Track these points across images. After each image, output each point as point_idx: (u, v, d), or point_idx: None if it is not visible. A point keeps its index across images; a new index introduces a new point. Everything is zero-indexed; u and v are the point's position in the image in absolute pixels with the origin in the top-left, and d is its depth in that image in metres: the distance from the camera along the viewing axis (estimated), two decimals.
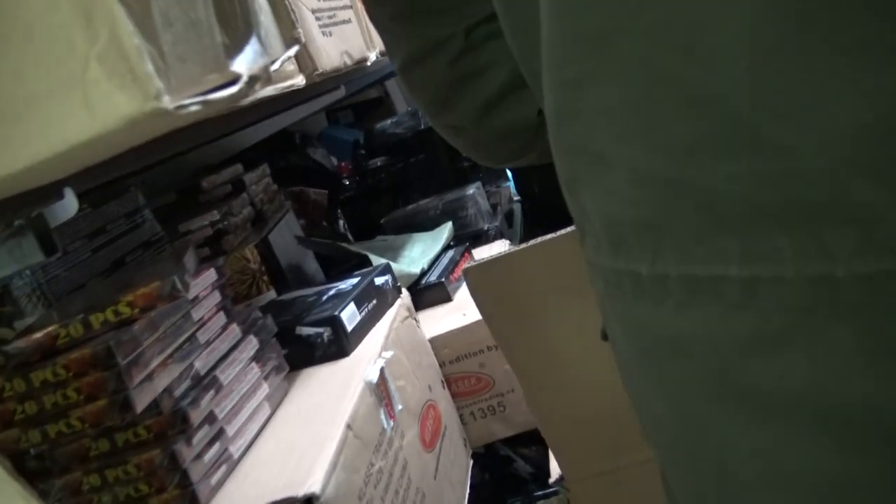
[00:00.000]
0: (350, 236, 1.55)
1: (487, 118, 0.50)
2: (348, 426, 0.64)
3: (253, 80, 0.28)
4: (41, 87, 0.26)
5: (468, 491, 0.95)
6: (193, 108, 0.26)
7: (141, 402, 0.56)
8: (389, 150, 1.67)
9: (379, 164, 1.65)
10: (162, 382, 0.59)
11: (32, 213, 0.51)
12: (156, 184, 1.15)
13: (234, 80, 0.28)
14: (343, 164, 1.80)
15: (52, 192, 0.52)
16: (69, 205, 0.52)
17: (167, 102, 0.25)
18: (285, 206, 1.31)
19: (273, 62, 0.34)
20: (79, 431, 0.57)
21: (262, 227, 1.16)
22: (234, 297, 1.03)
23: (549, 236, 0.67)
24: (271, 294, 1.04)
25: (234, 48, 0.29)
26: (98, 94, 0.25)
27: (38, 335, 0.56)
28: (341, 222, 1.59)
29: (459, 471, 0.94)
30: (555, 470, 0.79)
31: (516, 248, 0.69)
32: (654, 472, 0.77)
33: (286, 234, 1.19)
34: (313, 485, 0.55)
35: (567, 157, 0.33)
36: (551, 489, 1.30)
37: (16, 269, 0.50)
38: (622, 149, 0.29)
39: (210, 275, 0.69)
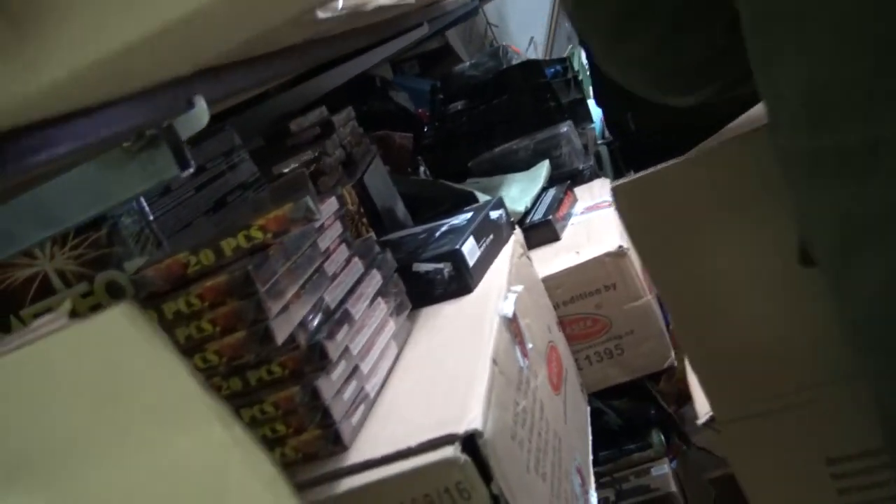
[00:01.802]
0: (447, 183, 1.49)
1: (667, 46, 0.46)
2: (494, 361, 0.59)
3: None
4: None
5: (590, 438, 0.89)
6: None
7: (281, 333, 0.51)
8: (469, 93, 1.60)
9: (459, 108, 1.58)
10: (298, 314, 0.54)
11: (163, 123, 0.46)
12: (241, 131, 1.11)
13: None
14: (420, 111, 1.74)
15: (181, 99, 0.47)
16: (200, 114, 0.47)
17: None
18: (373, 150, 1.26)
19: None
20: (214, 367, 0.53)
21: (354, 170, 1.11)
22: None
23: (711, 144, 0.60)
24: (373, 236, 0.99)
25: None
26: None
27: (167, 262, 0.52)
28: (422, 168, 1.53)
29: (581, 416, 0.88)
30: (701, 409, 0.72)
31: (674, 161, 0.61)
32: (813, 415, 0.69)
33: (378, 176, 1.14)
34: (474, 420, 0.50)
35: (763, 27, 0.31)
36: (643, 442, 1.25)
37: (151, 184, 0.45)
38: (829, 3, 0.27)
39: (332, 203, 0.64)
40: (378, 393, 0.61)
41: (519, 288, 0.72)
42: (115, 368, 0.28)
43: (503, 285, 0.73)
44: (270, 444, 0.56)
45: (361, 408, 0.58)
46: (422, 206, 1.20)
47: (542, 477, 0.61)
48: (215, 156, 0.86)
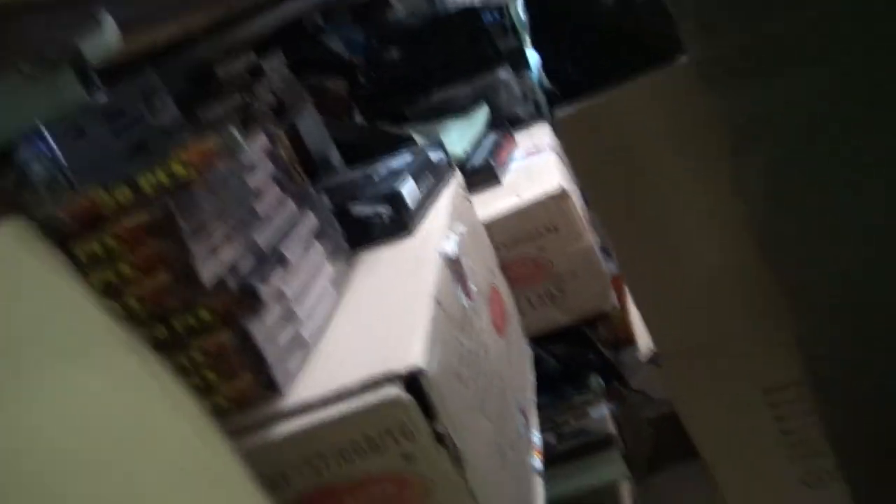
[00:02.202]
0: (383, 127, 1.45)
1: None
2: (436, 300, 0.57)
3: None
4: None
5: (533, 379, 0.89)
6: None
7: (209, 276, 0.48)
8: (405, 40, 1.56)
9: (395, 54, 1.53)
10: (227, 256, 0.51)
11: (66, 42, 0.41)
12: (165, 77, 1.05)
13: None
14: (355, 58, 1.69)
15: (85, 16, 0.43)
16: (109, 35, 0.43)
17: None
18: (305, 97, 1.21)
19: None
20: (135, 314, 0.49)
21: (285, 117, 1.06)
22: None
23: (663, 71, 0.57)
24: (307, 183, 0.95)
25: None
26: None
27: (79, 201, 0.48)
28: (358, 117, 1.49)
29: (524, 359, 0.88)
30: (644, 347, 0.72)
31: (622, 87, 0.59)
32: (750, 347, 0.69)
33: (310, 124, 1.10)
34: (416, 358, 0.48)
35: None
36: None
37: (55, 111, 0.41)
38: None
39: (262, 140, 0.60)
40: (316, 338, 0.59)
41: (461, 228, 0.71)
42: (3, 298, 0.24)
43: (445, 226, 0.71)
44: (200, 393, 0.53)
45: (298, 353, 0.56)
46: (359, 153, 1.16)
47: (487, 417, 0.60)
48: (134, 99, 0.81)
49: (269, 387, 0.52)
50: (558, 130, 0.59)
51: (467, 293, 0.67)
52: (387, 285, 0.63)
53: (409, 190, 0.73)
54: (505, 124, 1.22)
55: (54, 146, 0.67)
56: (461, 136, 1.12)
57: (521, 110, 1.29)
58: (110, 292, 0.49)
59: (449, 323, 0.57)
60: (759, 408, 0.72)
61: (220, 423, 0.52)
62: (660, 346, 0.70)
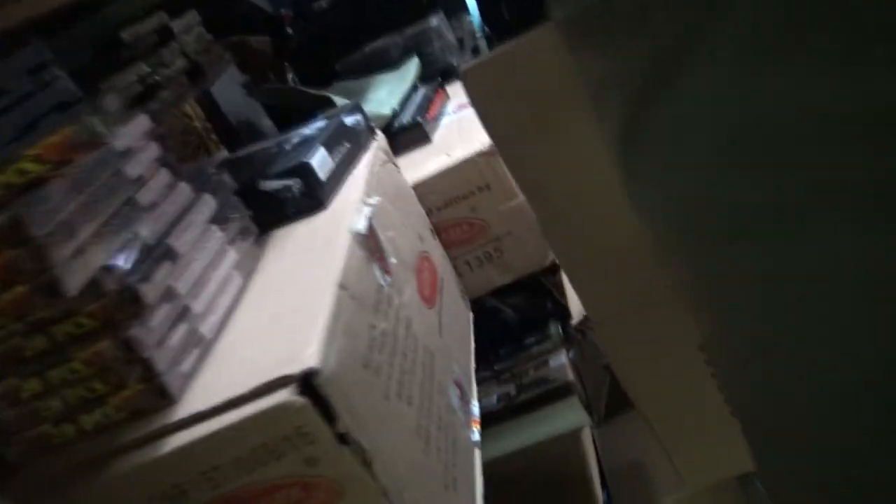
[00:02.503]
0: (302, 88, 1.39)
1: None
2: (341, 286, 0.53)
3: None
4: None
5: (472, 346, 0.86)
6: None
7: (72, 282, 0.44)
8: None
9: (325, 5, 1.46)
10: (98, 257, 0.47)
11: None
12: (67, 48, 0.98)
13: None
14: (283, 12, 1.60)
15: None
16: None
17: None
18: (225, 58, 1.14)
19: None
20: (4, 327, 0.45)
21: (203, 81, 1.00)
22: (178, 161, 0.89)
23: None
24: (223, 153, 0.90)
25: None
26: None
27: None
28: (290, 75, 1.42)
29: (462, 325, 0.85)
30: (576, 310, 0.70)
31: (528, 34, 0.55)
32: (684, 306, 0.67)
33: (230, 88, 1.03)
34: (310, 358, 0.45)
35: None
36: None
37: None
38: None
39: (141, 122, 0.55)
40: (218, 332, 0.55)
41: (374, 200, 0.66)
42: None
43: (358, 199, 0.67)
44: (90, 404, 0.49)
45: (195, 352, 0.52)
46: (284, 116, 1.11)
47: (406, 401, 0.57)
48: (19, 74, 0.74)
49: (162, 395, 0.48)
50: (464, 83, 0.55)
51: (385, 269, 0.64)
52: (294, 269, 0.59)
53: (319, 161, 0.69)
54: (437, 76, 1.17)
55: None
56: (391, 91, 1.07)
57: (456, 59, 1.24)
58: None
59: (357, 308, 0.54)
60: (697, 365, 0.70)
61: (114, 435, 0.49)
62: (591, 313, 0.67)
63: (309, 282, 0.55)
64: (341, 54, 1.32)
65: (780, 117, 0.24)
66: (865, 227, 0.24)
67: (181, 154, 0.91)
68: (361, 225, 0.61)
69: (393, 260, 0.67)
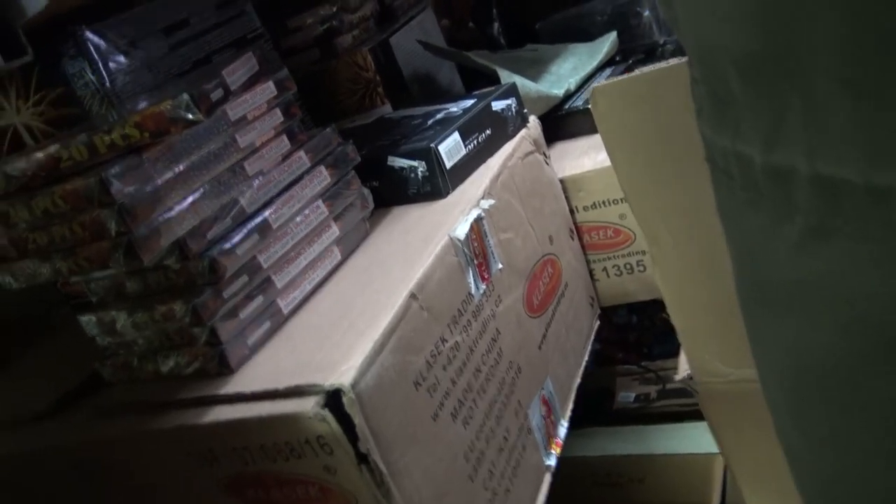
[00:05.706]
0: (503, 42, 1.35)
1: None
2: (412, 295, 0.51)
3: None
4: None
5: (585, 359, 0.82)
6: None
7: (150, 248, 0.46)
8: None
9: None
10: (188, 222, 0.49)
11: None
12: None
13: None
14: None
15: None
16: None
17: None
18: (423, 1, 1.13)
19: None
20: (87, 272, 0.49)
21: (388, 28, 1.00)
22: (342, 109, 0.90)
23: None
24: (385, 109, 0.90)
25: None
26: None
27: (40, 154, 0.47)
28: (496, 24, 1.38)
29: (577, 336, 0.81)
30: (683, 365, 0.63)
31: (670, 64, 0.48)
32: None
33: (415, 36, 1.02)
34: (343, 374, 0.44)
35: None
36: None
37: None
38: None
39: (266, 89, 0.56)
40: (296, 309, 0.56)
41: (487, 203, 0.63)
42: None
43: (478, 197, 0.64)
44: (167, 350, 0.52)
45: (267, 325, 0.53)
46: (471, 76, 1.08)
47: (462, 422, 0.55)
48: (204, 8, 0.78)
49: (221, 362, 0.50)
50: (592, 100, 0.50)
51: (484, 276, 0.61)
52: (384, 260, 0.59)
53: (448, 148, 0.66)
54: (640, 55, 1.08)
55: (98, 61, 0.67)
56: (576, 67, 1.00)
57: (664, 38, 1.13)
58: (66, 247, 0.48)
59: (426, 319, 0.52)
60: None
61: (179, 388, 0.52)
62: (694, 373, 0.61)
63: (387, 282, 0.54)
64: (546, 12, 1.26)
65: None
66: None
67: (345, 102, 0.93)
68: (461, 231, 0.58)
69: (499, 266, 0.64)
